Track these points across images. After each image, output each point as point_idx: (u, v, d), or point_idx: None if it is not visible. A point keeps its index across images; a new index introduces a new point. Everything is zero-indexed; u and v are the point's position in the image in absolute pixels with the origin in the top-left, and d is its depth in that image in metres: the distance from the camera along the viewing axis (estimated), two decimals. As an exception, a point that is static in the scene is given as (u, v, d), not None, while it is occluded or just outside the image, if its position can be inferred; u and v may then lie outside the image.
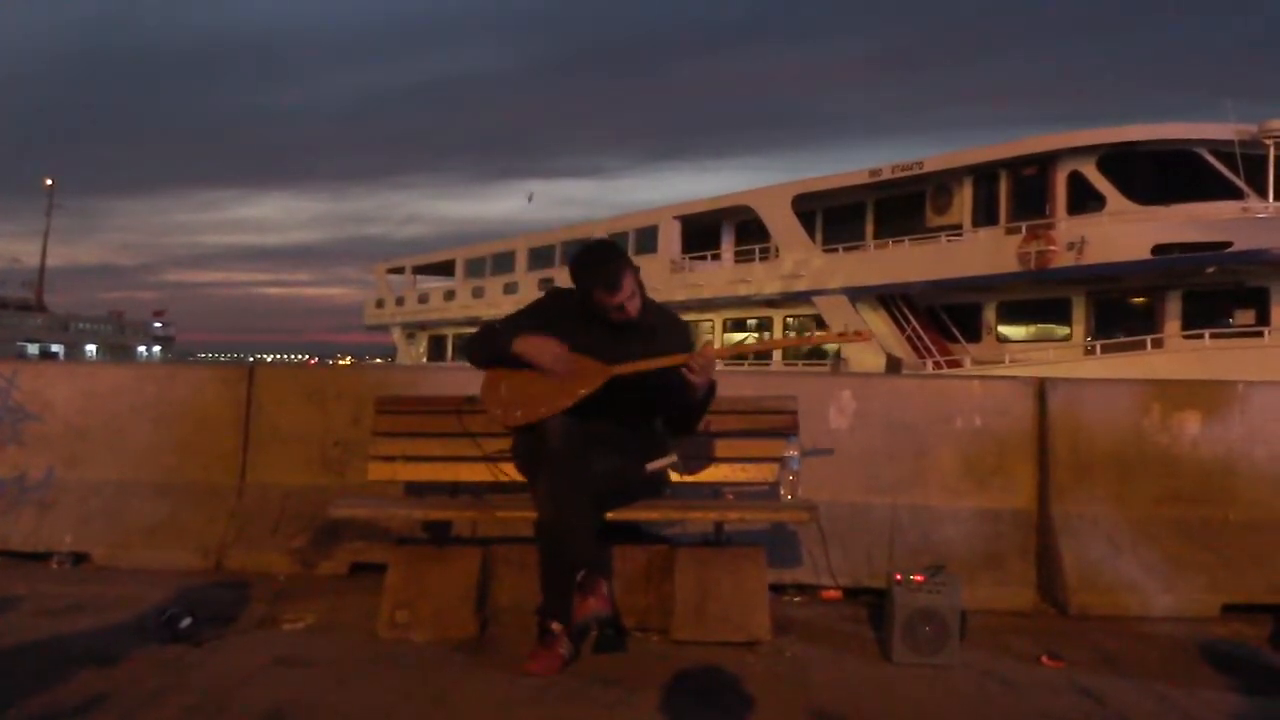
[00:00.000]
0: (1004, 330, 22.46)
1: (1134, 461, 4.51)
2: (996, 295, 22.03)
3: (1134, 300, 20.47)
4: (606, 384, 3.46)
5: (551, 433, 3.40)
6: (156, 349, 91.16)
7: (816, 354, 25.92)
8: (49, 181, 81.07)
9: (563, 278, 4.27)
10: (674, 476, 3.85)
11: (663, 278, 26.92)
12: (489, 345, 3.57)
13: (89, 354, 77.27)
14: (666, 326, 3.62)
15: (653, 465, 3.64)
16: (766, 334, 27.22)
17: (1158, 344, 18.97)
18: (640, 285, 3.54)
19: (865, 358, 22.56)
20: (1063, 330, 21.41)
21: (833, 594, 4.29)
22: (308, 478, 4.76)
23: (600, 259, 3.52)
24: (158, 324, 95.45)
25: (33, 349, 69.41)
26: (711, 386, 3.53)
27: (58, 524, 4.73)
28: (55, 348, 73.42)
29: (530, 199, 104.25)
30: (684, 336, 3.61)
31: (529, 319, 3.61)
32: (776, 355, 26.58)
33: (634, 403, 3.56)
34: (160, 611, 3.59)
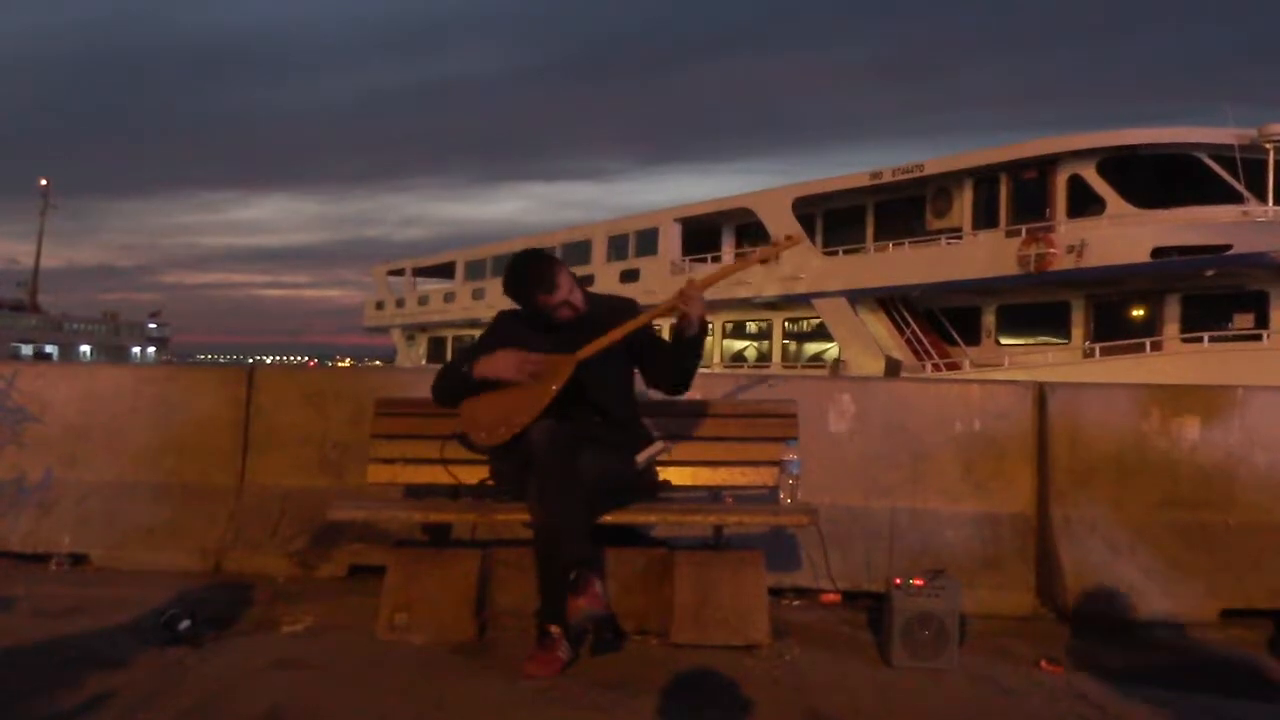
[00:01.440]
0: (1003, 333, 22.46)
1: (1133, 466, 4.51)
2: (996, 298, 22.02)
3: (1133, 303, 20.48)
4: (581, 381, 3.49)
5: (536, 437, 3.41)
6: (151, 350, 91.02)
7: (815, 358, 25.93)
8: (43, 181, 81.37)
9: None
10: (673, 480, 3.85)
11: (663, 280, 26.91)
12: (451, 383, 3.61)
13: (83, 354, 77.20)
14: (612, 308, 3.67)
15: (643, 455, 3.64)
16: (767, 343, 27.21)
17: (1157, 347, 18.97)
18: (576, 279, 3.59)
19: (865, 361, 22.56)
20: (1062, 333, 21.41)
21: (832, 598, 4.29)
22: (307, 480, 4.75)
23: (529, 265, 3.58)
24: (153, 325, 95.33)
25: (27, 350, 69.31)
26: (704, 324, 3.51)
27: (56, 525, 4.72)
28: (49, 348, 73.37)
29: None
30: (632, 308, 3.66)
31: (484, 349, 3.63)
32: (776, 358, 26.58)
33: (611, 395, 3.61)
34: (159, 613, 3.59)
